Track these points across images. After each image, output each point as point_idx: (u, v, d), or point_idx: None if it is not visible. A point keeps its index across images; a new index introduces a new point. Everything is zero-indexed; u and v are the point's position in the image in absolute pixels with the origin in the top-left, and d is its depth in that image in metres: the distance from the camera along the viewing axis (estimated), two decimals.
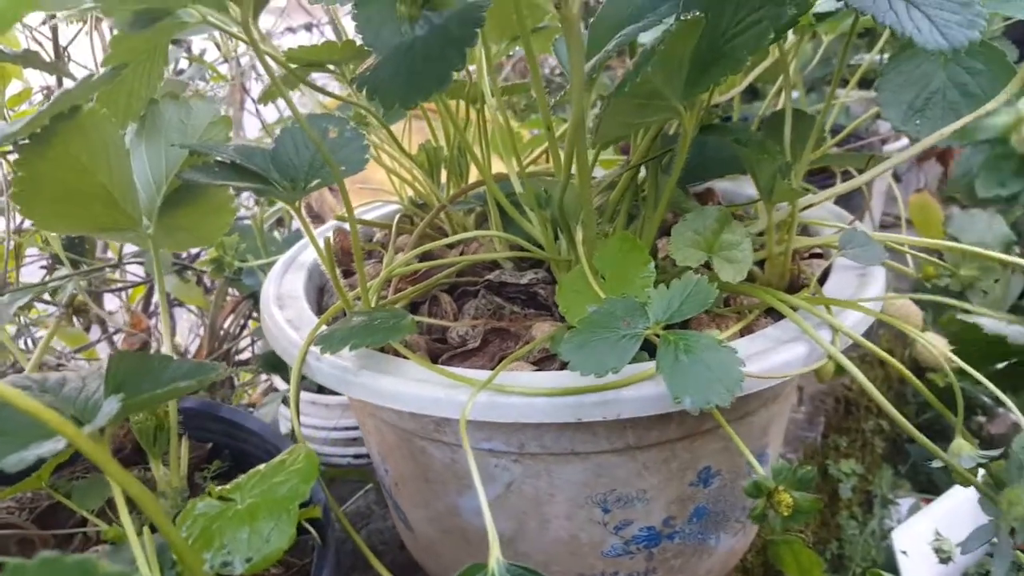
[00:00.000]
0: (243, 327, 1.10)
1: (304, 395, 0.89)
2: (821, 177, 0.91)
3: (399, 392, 0.42)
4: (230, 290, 1.05)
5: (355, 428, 0.87)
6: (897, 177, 1.18)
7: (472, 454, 0.37)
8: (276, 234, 0.98)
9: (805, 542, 0.74)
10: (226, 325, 1.07)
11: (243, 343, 1.11)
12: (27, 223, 0.90)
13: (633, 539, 0.48)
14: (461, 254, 0.58)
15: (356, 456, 0.87)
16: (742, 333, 0.45)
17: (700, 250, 0.40)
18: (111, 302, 1.12)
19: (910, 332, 0.45)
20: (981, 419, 1.14)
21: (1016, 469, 0.43)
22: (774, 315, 0.47)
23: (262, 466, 0.38)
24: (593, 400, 0.39)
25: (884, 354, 0.44)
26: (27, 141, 0.38)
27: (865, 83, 1.08)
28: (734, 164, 0.46)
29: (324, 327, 0.47)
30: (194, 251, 1.08)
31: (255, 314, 1.04)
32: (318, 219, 1.03)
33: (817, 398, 0.87)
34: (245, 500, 0.36)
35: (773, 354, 0.42)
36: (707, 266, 0.44)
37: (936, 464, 0.44)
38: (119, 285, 1.01)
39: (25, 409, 0.26)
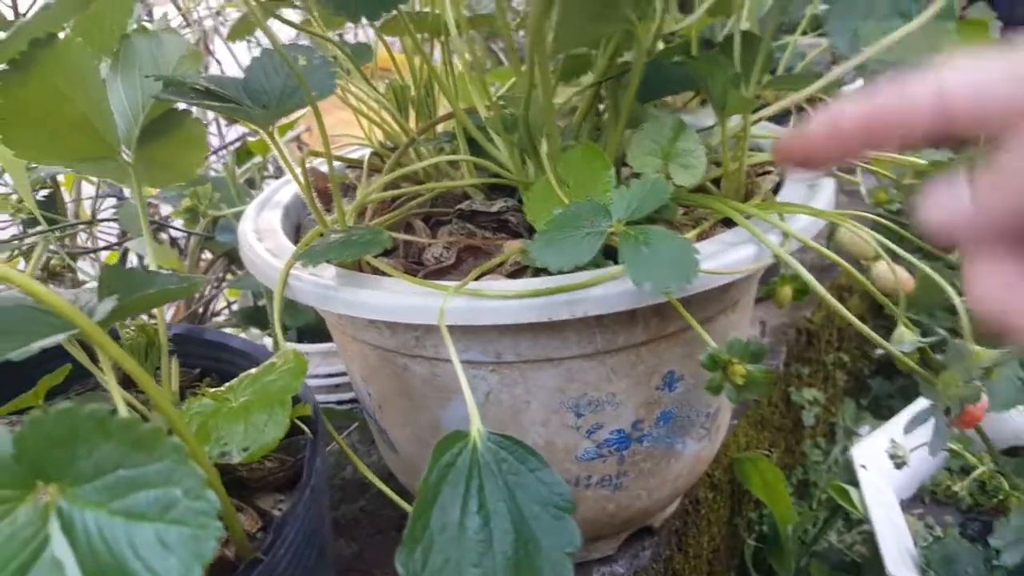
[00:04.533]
0: (219, 287, 1.11)
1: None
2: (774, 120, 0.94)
3: (379, 304, 0.45)
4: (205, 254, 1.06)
5: (337, 375, 0.89)
6: None
7: (456, 355, 0.40)
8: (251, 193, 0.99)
9: (769, 459, 0.78)
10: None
11: (220, 305, 1.13)
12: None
13: (605, 442, 0.51)
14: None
15: (339, 403, 0.89)
16: (699, 240, 0.48)
17: (657, 158, 0.43)
18: (86, 270, 1.13)
19: (865, 243, 0.48)
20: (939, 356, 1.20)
21: (954, 353, 0.47)
22: (730, 226, 0.50)
23: (253, 369, 0.40)
24: (563, 299, 0.42)
25: (833, 255, 0.48)
26: (6, 68, 0.40)
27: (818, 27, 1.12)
28: (689, 82, 0.49)
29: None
30: (165, 212, 1.08)
31: (230, 275, 1.06)
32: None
33: (779, 330, 0.91)
34: (239, 399, 0.38)
35: (724, 255, 0.44)
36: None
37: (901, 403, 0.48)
38: (91, 248, 1.01)
39: (39, 296, 0.28)
